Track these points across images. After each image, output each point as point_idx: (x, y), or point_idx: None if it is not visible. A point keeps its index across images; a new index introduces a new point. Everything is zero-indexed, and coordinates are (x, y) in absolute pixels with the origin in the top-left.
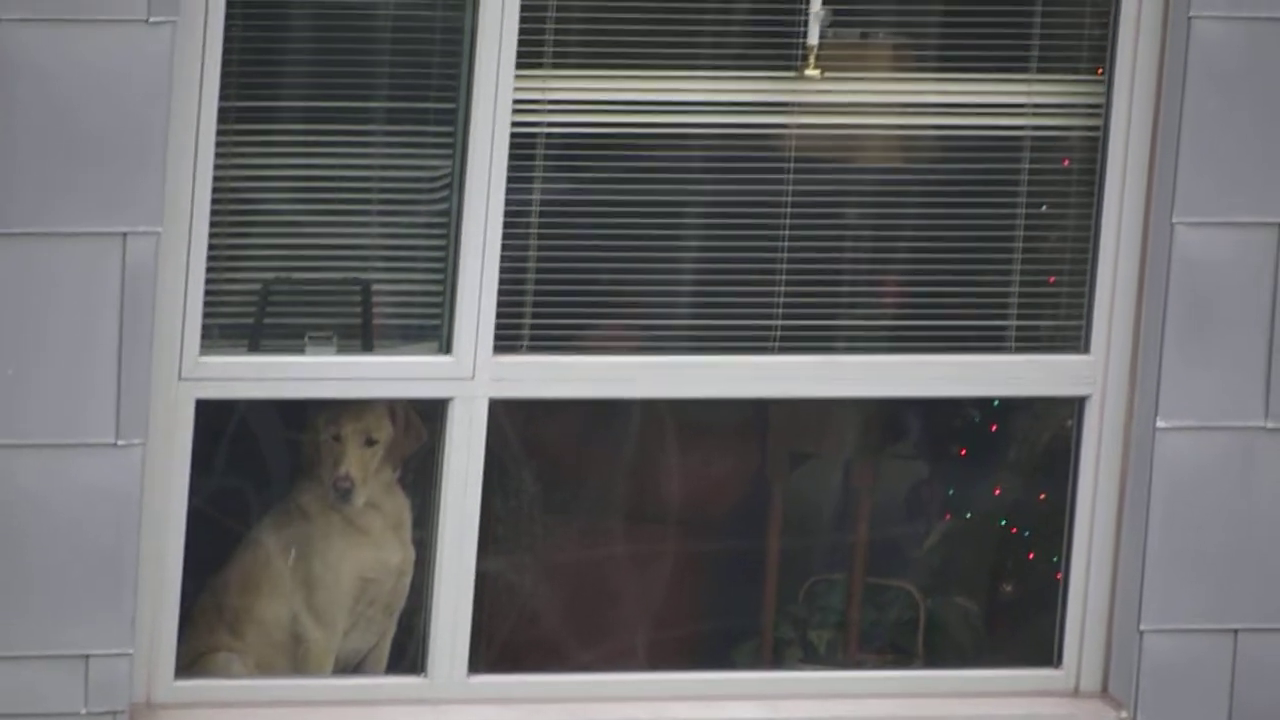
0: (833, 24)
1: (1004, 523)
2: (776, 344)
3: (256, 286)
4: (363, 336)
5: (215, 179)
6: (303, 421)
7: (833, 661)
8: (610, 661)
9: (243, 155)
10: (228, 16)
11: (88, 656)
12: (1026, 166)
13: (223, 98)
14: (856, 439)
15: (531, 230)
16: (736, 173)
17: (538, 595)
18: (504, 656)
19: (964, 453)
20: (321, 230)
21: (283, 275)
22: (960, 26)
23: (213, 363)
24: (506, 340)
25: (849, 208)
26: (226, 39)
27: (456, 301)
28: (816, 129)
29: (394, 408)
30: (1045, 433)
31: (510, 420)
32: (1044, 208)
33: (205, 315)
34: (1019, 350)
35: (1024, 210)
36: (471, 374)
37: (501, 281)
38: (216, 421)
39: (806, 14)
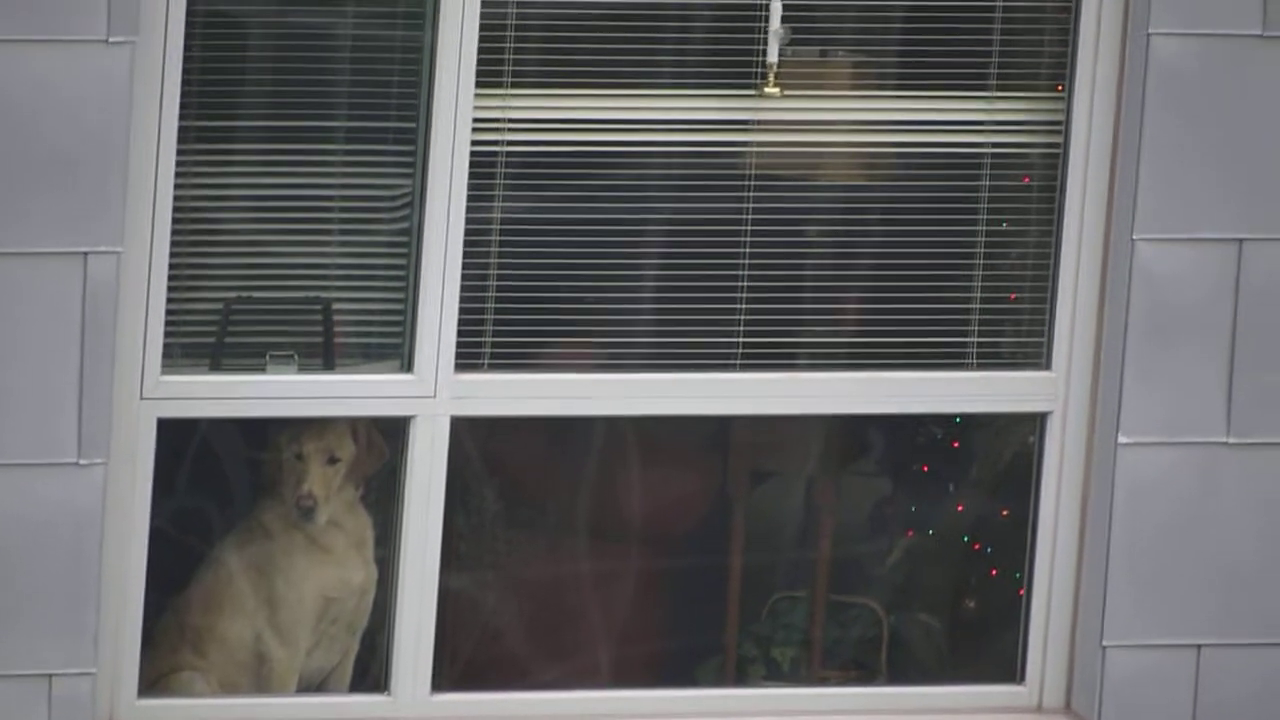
0: (792, 42)
1: (966, 539)
2: (738, 361)
3: (218, 306)
4: (324, 355)
5: (176, 199)
6: (265, 440)
7: (796, 679)
8: (574, 679)
9: (203, 175)
10: (187, 36)
11: (51, 676)
12: (987, 183)
13: (183, 118)
14: (819, 456)
15: (492, 249)
16: (697, 190)
17: (501, 613)
18: (467, 675)
19: (926, 469)
20: (282, 249)
21: (244, 294)
22: (920, 44)
23: (174, 382)
24: (468, 358)
25: (810, 225)
26: (186, 59)
27: (417, 320)
28: (776, 147)
29: (356, 426)
30: (1007, 449)
31: (472, 438)
32: (1005, 224)
33: (166, 334)
34: (980, 367)
35: (985, 227)
36: (433, 392)
37: (462, 300)
38: (178, 440)
39: (766, 32)
